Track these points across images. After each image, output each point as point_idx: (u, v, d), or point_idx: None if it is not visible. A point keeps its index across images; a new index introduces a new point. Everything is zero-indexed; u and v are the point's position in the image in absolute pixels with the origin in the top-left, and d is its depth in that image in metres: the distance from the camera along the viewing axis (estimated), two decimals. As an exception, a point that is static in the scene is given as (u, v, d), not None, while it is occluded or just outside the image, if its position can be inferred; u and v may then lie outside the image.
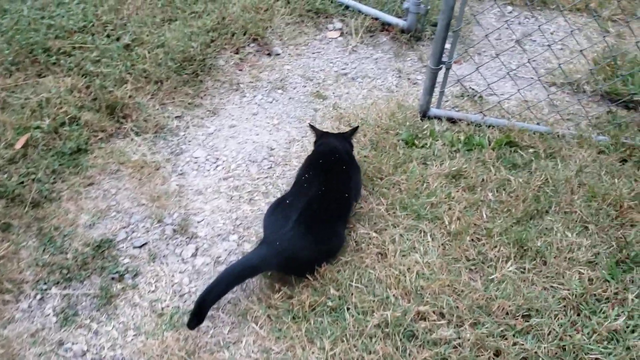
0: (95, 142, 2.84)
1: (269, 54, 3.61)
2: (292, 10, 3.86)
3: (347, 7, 3.94)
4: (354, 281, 2.22)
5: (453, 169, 2.73)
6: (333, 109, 3.24)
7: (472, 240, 2.40)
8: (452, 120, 3.11)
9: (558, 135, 2.98)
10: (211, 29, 3.53)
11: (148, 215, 2.56)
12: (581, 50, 3.22)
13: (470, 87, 3.36)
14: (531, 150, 2.89)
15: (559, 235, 2.42)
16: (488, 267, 2.31)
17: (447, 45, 3.11)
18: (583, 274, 2.28)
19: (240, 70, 3.47)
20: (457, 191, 2.63)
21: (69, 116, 2.83)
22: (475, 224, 2.46)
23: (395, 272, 2.24)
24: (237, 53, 3.53)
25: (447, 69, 3.01)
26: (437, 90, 3.08)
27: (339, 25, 3.90)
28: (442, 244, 2.38)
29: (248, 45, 3.62)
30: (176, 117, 3.10)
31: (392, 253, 2.33)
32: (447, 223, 2.46)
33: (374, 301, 2.14)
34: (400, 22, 3.80)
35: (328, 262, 2.26)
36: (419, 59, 3.68)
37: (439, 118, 3.13)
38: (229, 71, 3.43)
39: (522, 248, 2.37)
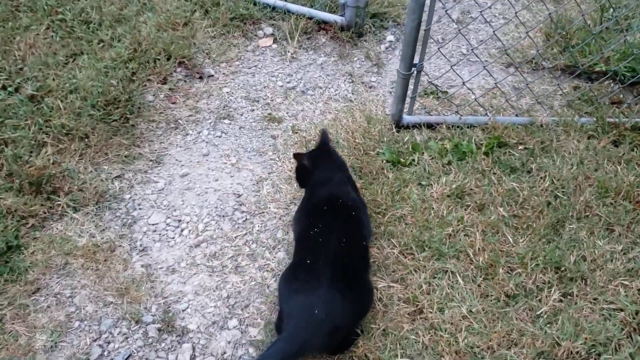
0: (27, 232, 2.26)
1: (201, 77, 3.11)
2: (214, 21, 3.36)
3: (274, 8, 3.49)
4: (400, 356, 1.87)
5: (454, 186, 2.44)
6: (293, 133, 2.83)
7: (506, 271, 2.12)
8: (429, 126, 2.82)
9: (542, 126, 2.77)
10: (128, 59, 2.96)
11: (121, 316, 2.06)
12: (528, 32, 3.02)
13: (429, 82, 3.06)
14: (522, 147, 2.66)
15: (589, 245, 2.22)
16: (532, 299, 2.05)
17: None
18: (627, 285, 2.08)
19: (174, 103, 2.95)
20: (468, 213, 2.35)
21: (-18, 206, 2.22)
22: (501, 251, 2.19)
23: (442, 334, 1.92)
24: (164, 83, 3.00)
25: (418, 72, 2.69)
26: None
27: (269, 30, 3.45)
28: (477, 284, 2.09)
29: (174, 70, 3.10)
30: (115, 177, 2.56)
31: (427, 308, 2.01)
32: (472, 256, 2.17)
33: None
34: (338, 19, 3.42)
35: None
36: (366, 57, 3.33)
37: (413, 126, 2.81)
38: (162, 107, 2.91)
39: (559, 269, 2.13)
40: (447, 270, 2.13)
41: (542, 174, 2.50)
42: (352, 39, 3.43)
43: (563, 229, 2.28)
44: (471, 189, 2.44)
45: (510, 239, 2.22)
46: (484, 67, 3.05)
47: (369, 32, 3.49)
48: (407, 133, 2.77)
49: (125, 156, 2.63)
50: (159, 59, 3.04)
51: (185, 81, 3.07)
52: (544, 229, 2.26)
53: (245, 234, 2.37)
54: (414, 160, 2.59)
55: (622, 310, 2.01)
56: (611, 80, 3.13)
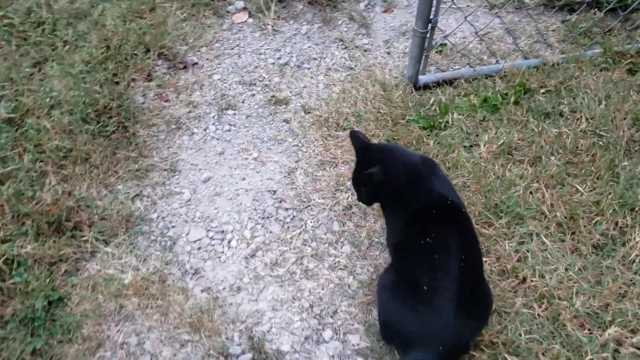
0: (63, 281, 1.94)
1: (185, 67, 2.80)
2: (181, 3, 3.01)
3: (241, -21, 3.18)
4: (523, 334, 1.78)
5: (500, 143, 2.34)
6: (305, 113, 2.61)
7: (586, 222, 2.07)
8: (446, 82, 2.69)
9: (553, 65, 2.72)
10: (103, 59, 2.59)
11: (205, 353, 1.83)
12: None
13: (442, 37, 2.92)
14: (544, 91, 2.60)
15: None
16: (620, 246, 2.01)
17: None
18: None
19: (167, 101, 2.64)
20: (524, 169, 2.26)
21: (2, 259, 1.87)
22: (575, 202, 2.13)
23: (556, 301, 1.84)
24: (150, 79, 2.67)
25: (433, 28, 2.54)
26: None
27: (240, 3, 3.15)
28: (564, 242, 2.02)
29: (156, 64, 2.76)
30: (135, 196, 2.25)
31: (530, 277, 1.91)
32: (547, 213, 2.10)
33: (564, 345, 1.74)
34: (311, -19, 3.17)
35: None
36: (350, 19, 3.13)
37: (431, 86, 2.67)
38: (155, 107, 2.59)
39: (634, 210, 2.10)
40: (531, 233, 2.04)
41: (577, 115, 2.45)
42: (331, 1, 3.19)
43: (618, 168, 2.24)
44: (517, 143, 2.35)
45: (580, 188, 2.16)
46: (465, 17, 2.94)
47: (349, -6, 3.27)
48: (429, 94, 2.63)
49: (137, 170, 2.32)
50: (136, 54, 2.69)
51: (170, 74, 2.75)
52: (604, 171, 2.21)
53: (300, 233, 2.16)
54: (447, 122, 2.46)
55: None
56: (596, 9, 3.11)
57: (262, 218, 2.22)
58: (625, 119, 2.43)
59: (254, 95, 2.71)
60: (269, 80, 2.77)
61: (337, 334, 1.89)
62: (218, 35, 2.98)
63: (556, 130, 2.38)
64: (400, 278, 1.72)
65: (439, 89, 2.66)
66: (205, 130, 2.54)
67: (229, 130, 2.55)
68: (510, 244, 2.01)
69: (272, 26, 3.05)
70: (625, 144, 2.34)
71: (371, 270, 2.04)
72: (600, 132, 2.38)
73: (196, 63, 2.83)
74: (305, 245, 2.13)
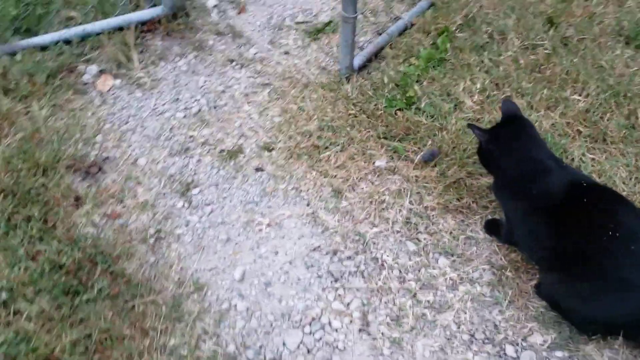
0: None
1: (100, 168, 2.19)
2: (36, 97, 2.31)
3: (68, 42, 2.53)
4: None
5: (481, 88, 2.33)
6: (269, 152, 2.27)
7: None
8: (373, 58, 2.56)
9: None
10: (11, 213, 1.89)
11: None
12: None
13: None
14: (457, 25, 2.63)
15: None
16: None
17: None
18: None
19: (119, 217, 2.05)
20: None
21: None
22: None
23: None
24: (81, 204, 2.03)
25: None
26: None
27: (93, 68, 2.53)
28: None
29: (73, 183, 2.10)
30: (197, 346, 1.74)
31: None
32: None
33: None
34: (157, 11, 2.68)
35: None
36: (218, 34, 2.75)
37: (364, 66, 2.52)
38: (116, 231, 2.00)
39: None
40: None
41: (508, 35, 2.54)
42: (187, 24, 2.75)
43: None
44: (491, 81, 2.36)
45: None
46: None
47: (197, 8, 2.84)
48: (373, 75, 2.47)
49: (166, 327, 1.78)
50: (44, 185, 2.01)
51: (94, 185, 2.13)
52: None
53: (387, 273, 1.92)
54: (415, 93, 2.35)
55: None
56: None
57: (335, 281, 1.91)
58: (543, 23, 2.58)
59: (199, 160, 2.25)
60: (199, 137, 2.32)
61: (518, 345, 1.74)
62: (99, 115, 2.37)
63: (508, 54, 2.43)
64: (578, 275, 1.63)
65: (372, 66, 2.51)
66: (187, 225, 2.05)
67: (212, 212, 2.10)
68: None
69: (147, 77, 2.52)
70: (561, 41, 2.49)
71: (486, 268, 1.90)
72: (536, 42, 2.49)
73: (107, 157, 2.23)
74: (404, 281, 1.89)
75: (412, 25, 2.64)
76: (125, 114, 2.39)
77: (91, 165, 2.16)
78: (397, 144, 2.20)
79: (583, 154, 2.09)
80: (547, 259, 1.71)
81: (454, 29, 2.59)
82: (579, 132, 2.16)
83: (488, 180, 2.05)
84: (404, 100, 2.31)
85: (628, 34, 2.51)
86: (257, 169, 2.22)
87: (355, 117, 2.30)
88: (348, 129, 2.27)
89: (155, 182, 2.16)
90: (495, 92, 2.31)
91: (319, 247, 1.99)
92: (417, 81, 2.39)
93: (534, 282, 1.84)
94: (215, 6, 2.88)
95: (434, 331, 1.78)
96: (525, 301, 1.81)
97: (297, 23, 2.81)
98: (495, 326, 1.78)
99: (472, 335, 1.77)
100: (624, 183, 2.01)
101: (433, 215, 2.03)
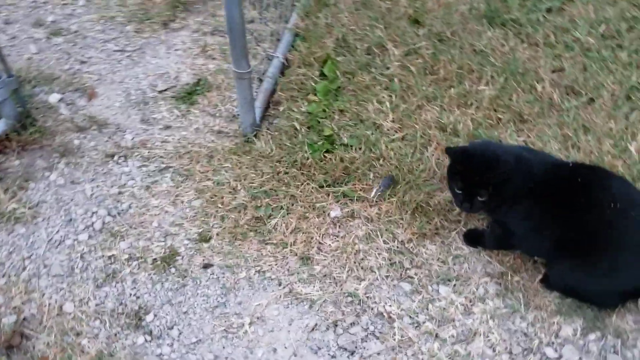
0: None
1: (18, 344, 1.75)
2: None
3: None
4: None
5: (392, 106, 2.29)
6: (207, 242, 2.02)
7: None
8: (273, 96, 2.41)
9: (305, 28, 2.70)
10: None
11: None
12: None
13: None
14: (332, 50, 2.59)
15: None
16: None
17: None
18: None
19: None
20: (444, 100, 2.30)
21: None
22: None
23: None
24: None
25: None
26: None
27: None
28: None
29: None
30: None
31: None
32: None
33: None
34: (0, 127, 2.24)
35: None
36: (80, 130, 2.38)
37: (263, 115, 2.36)
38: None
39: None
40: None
41: (390, 44, 2.54)
42: (41, 131, 2.34)
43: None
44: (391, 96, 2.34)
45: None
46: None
47: (34, 110, 2.42)
48: (277, 125, 2.31)
49: None
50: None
51: (23, 362, 1.69)
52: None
53: (402, 331, 1.79)
54: (332, 131, 2.24)
55: None
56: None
57: (351, 354, 1.74)
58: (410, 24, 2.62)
59: (134, 281, 1.91)
60: (120, 254, 1.98)
61: (553, 344, 1.72)
62: (-15, 271, 1.90)
63: (396, 64, 2.42)
64: (589, 255, 1.65)
65: (272, 115, 2.36)
66: (161, 356, 1.72)
67: (180, 334, 1.79)
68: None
69: (23, 207, 2.09)
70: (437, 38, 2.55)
71: (487, 281, 1.86)
72: (414, 46, 2.52)
73: (24, 319, 1.79)
74: (419, 325, 1.78)
75: (288, 61, 2.51)
76: (17, 259, 1.94)
77: (10, 338, 1.71)
78: (343, 187, 2.06)
79: (515, 140, 2.14)
80: (555, 249, 1.70)
81: (332, 55, 2.51)
82: (499, 119, 2.22)
83: (447, 194, 2.00)
84: (326, 141, 2.18)
85: (485, 14, 2.64)
86: (205, 266, 1.94)
87: (286, 173, 2.11)
88: (284, 188, 2.08)
89: (97, 325, 1.78)
90: (405, 105, 2.28)
91: (315, 325, 1.79)
92: (326, 117, 2.27)
93: (539, 277, 1.83)
94: (60, 100, 2.49)
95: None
96: (540, 299, 1.80)
97: (161, 92, 2.54)
98: (525, 334, 1.74)
99: (511, 352, 1.71)
100: (560, 153, 2.09)
101: (412, 247, 1.94)
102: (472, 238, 1.92)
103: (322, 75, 2.43)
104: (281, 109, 2.36)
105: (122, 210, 2.09)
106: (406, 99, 2.31)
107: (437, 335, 1.75)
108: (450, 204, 2.01)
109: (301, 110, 2.32)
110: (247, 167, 2.16)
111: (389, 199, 2.03)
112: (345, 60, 2.47)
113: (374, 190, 2.04)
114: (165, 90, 2.53)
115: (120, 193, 2.14)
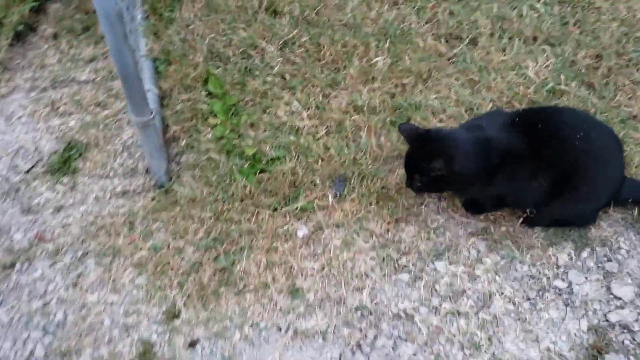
0: None
1: None
2: None
3: None
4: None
5: (297, 97, 2.17)
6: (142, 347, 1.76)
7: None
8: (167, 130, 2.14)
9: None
10: None
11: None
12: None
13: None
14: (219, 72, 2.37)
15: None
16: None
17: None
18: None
19: None
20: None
21: None
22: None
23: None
24: None
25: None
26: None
27: None
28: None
29: None
30: None
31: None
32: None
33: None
34: None
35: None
36: None
37: (172, 160, 2.09)
38: None
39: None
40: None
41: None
42: None
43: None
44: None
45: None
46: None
47: None
48: (190, 162, 2.06)
49: None
50: None
51: None
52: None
53: None
54: (253, 146, 2.06)
55: None
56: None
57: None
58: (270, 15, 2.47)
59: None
60: (88, 371, 1.63)
61: (558, 274, 1.79)
62: None
63: (278, 60, 2.28)
64: (574, 189, 1.70)
65: (177, 152, 2.09)
66: None
67: None
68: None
69: None
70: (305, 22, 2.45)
71: (475, 241, 1.86)
72: (285, 36, 2.40)
73: None
74: (437, 310, 1.74)
75: (163, 90, 2.23)
76: None
77: None
78: (298, 203, 1.90)
79: (426, 100, 2.13)
80: (546, 196, 1.72)
81: (210, 70, 2.28)
82: (404, 84, 2.19)
83: (400, 172, 1.95)
84: (253, 161, 1.99)
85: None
86: (191, 344, 1.69)
87: (229, 209, 1.89)
88: (235, 226, 1.87)
89: None
90: (312, 99, 2.16)
91: (340, 355, 1.66)
92: (239, 136, 2.07)
93: (519, 222, 1.86)
94: None
95: (505, 323, 1.68)
96: (528, 239, 1.84)
97: (28, 171, 2.11)
98: (532, 276, 1.78)
99: (528, 298, 1.74)
100: (474, 97, 2.13)
101: (393, 236, 1.87)
102: (474, 206, 1.90)
103: (210, 94, 2.20)
104: (183, 143, 2.09)
105: (59, 322, 1.73)
106: (310, 92, 2.18)
107: (458, 312, 1.71)
108: (401, 183, 1.95)
109: (208, 137, 2.08)
110: (182, 219, 1.89)
111: (348, 197, 1.92)
112: (225, 72, 2.26)
113: (330, 195, 1.91)
114: (32, 167, 2.11)
115: (45, 304, 1.76)
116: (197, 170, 2.00)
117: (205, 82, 2.23)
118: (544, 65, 2.18)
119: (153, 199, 1.96)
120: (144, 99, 1.73)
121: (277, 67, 2.27)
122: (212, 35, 2.39)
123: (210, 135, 2.08)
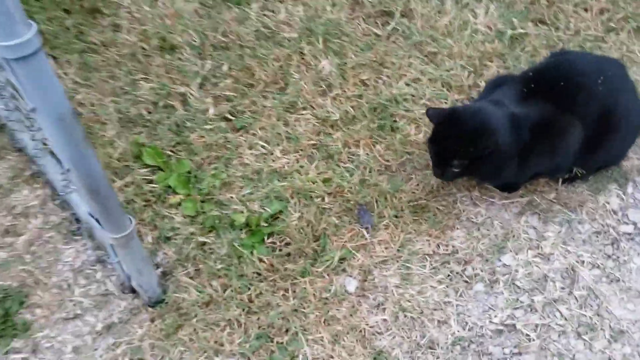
0: None
1: None
2: None
3: None
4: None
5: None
6: None
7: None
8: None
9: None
10: None
11: None
12: None
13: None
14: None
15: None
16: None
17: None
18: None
19: None
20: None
21: None
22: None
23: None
24: None
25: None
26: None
27: None
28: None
29: None
30: None
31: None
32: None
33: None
34: None
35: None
36: None
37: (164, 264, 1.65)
38: None
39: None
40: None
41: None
42: None
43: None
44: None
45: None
46: None
47: None
48: (174, 261, 1.64)
49: None
50: None
51: None
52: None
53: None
54: (245, 212, 1.69)
55: None
56: None
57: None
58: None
59: None
60: None
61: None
62: None
63: (209, 101, 1.92)
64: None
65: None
66: None
67: None
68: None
69: None
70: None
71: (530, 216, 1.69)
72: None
73: None
74: (548, 311, 1.54)
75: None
76: None
77: None
78: (332, 253, 1.58)
79: (399, 90, 1.90)
80: (586, 150, 1.59)
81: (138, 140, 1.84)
82: (364, 81, 1.94)
83: (417, 174, 1.71)
84: (251, 227, 1.63)
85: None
86: None
87: (258, 295, 1.53)
88: (273, 312, 1.50)
89: None
90: (275, 131, 1.83)
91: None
92: (218, 205, 1.69)
93: (560, 183, 1.72)
94: None
95: (602, 291, 1.55)
96: (575, 196, 1.72)
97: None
98: (598, 232, 1.67)
99: (609, 256, 1.62)
100: (423, 68, 1.95)
101: (446, 249, 1.63)
102: (509, 186, 1.71)
103: (151, 168, 1.77)
104: (150, 239, 1.65)
105: None
106: (267, 126, 1.84)
107: (554, 301, 1.53)
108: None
109: (180, 221, 1.66)
110: (204, 331, 1.48)
111: (381, 225, 1.64)
112: (153, 135, 1.84)
113: (363, 230, 1.62)
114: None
115: None
116: (190, 265, 1.59)
117: (138, 157, 1.79)
118: (488, 15, 2.05)
119: (153, 320, 1.52)
120: (120, 209, 1.30)
121: (211, 110, 1.90)
122: (109, 99, 1.94)
123: (180, 218, 1.67)
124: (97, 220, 1.32)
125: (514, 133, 1.49)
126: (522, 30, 2.00)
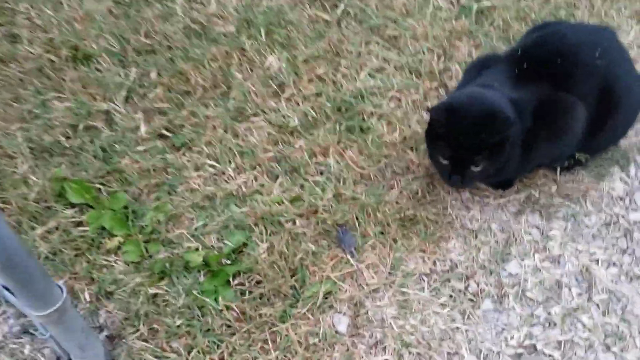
0: None
1: None
2: None
3: None
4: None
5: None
6: None
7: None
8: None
9: None
10: None
11: None
12: None
13: None
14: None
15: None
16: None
17: None
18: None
19: None
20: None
21: None
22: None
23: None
24: None
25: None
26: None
27: None
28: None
29: None
30: None
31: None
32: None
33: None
34: None
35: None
36: None
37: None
38: None
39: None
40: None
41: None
42: None
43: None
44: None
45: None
46: None
47: None
48: (126, 325, 1.33)
49: None
50: None
51: None
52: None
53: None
54: (205, 250, 1.40)
55: None
56: None
57: None
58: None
59: None
60: None
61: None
62: None
63: (138, 116, 1.62)
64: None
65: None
66: None
67: None
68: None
69: None
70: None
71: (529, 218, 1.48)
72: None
73: None
74: (569, 322, 1.34)
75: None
76: None
77: None
78: (313, 288, 1.32)
79: (363, 83, 1.65)
80: (590, 131, 1.40)
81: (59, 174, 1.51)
82: (320, 77, 1.68)
83: (399, 186, 1.47)
84: (211, 268, 1.35)
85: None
86: None
87: (232, 352, 1.24)
88: (254, 371, 1.23)
89: None
90: (221, 146, 1.54)
91: None
92: (164, 244, 1.39)
93: (558, 171, 1.52)
94: None
95: (624, 292, 1.36)
96: (576, 185, 1.53)
97: None
98: (606, 224, 1.49)
99: (623, 250, 1.44)
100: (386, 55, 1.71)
101: (444, 264, 1.40)
102: (503, 182, 1.49)
103: (79, 205, 1.45)
104: (87, 297, 1.34)
105: None
106: (213, 141, 1.55)
107: (573, 311, 1.34)
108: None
109: (121, 270, 1.35)
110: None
111: (367, 246, 1.39)
112: (75, 167, 1.52)
113: (347, 254, 1.36)
114: None
115: None
116: (142, 324, 1.29)
117: (60, 195, 1.47)
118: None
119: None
120: (45, 279, 0.98)
121: (142, 127, 1.59)
122: (16, 126, 1.60)
123: (122, 266, 1.36)
124: (14, 294, 1.01)
125: (517, 119, 1.27)
126: (487, 4, 1.79)
